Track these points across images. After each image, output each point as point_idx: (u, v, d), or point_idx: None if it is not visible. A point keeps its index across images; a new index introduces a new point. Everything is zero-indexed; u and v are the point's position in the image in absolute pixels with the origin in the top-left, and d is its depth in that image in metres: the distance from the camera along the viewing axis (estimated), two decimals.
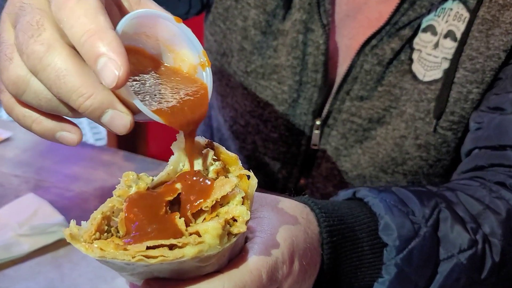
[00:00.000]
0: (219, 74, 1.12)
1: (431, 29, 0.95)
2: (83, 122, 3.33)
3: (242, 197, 0.53)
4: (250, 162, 1.14)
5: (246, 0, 1.03)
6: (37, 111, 0.54)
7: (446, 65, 0.94)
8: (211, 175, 0.56)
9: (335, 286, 0.71)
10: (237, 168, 0.56)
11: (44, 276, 0.86)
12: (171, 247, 0.49)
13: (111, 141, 2.10)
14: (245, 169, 0.56)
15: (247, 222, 0.52)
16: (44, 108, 0.53)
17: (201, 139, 0.57)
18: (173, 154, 0.57)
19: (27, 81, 0.52)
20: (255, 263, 0.56)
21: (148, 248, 0.48)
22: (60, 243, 0.92)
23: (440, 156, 0.99)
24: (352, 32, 1.00)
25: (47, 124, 0.55)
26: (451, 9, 0.93)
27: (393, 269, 0.72)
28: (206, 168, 0.56)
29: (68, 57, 0.50)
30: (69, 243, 0.91)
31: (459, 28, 0.93)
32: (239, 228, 0.51)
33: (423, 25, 0.95)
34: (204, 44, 1.13)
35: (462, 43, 0.92)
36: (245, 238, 0.59)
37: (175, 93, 0.54)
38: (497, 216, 0.79)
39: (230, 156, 0.57)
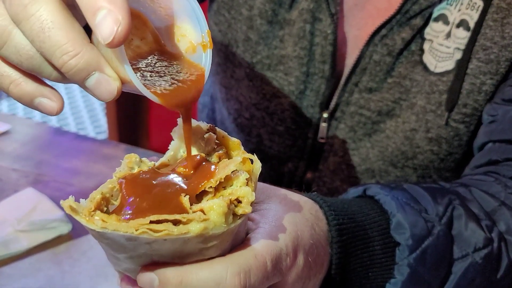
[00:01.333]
0: (224, 66, 1.09)
1: (443, 18, 0.91)
2: (84, 114, 3.31)
3: (246, 179, 0.51)
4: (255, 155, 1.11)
5: None
6: (16, 70, 0.50)
7: (458, 55, 0.91)
8: (214, 159, 0.54)
9: (345, 287, 0.68)
10: (240, 152, 0.55)
11: (44, 273, 0.84)
12: (175, 223, 0.47)
13: (112, 134, 2.08)
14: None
15: (252, 204, 0.50)
16: (25, 66, 0.49)
17: (202, 124, 0.55)
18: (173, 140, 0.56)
19: (8, 32, 0.48)
20: (260, 249, 0.53)
21: (151, 222, 0.46)
22: (60, 239, 0.89)
23: (451, 149, 0.96)
24: (360, 22, 0.97)
25: (26, 87, 0.50)
26: None
27: (406, 269, 0.69)
28: (208, 153, 0.55)
29: (56, 8, 0.46)
30: (69, 239, 0.89)
31: (472, 17, 0.89)
32: (244, 208, 0.49)
33: (435, 14, 0.91)
34: None
35: (476, 32, 0.89)
36: (248, 230, 0.57)
37: (170, 76, 0.52)
38: None
39: (233, 141, 0.55)
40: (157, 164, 0.54)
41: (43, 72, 0.49)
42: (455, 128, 0.94)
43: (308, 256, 0.60)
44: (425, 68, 0.93)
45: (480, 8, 0.88)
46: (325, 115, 1.01)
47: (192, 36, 0.54)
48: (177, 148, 0.55)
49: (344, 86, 0.98)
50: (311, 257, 0.60)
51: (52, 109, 0.51)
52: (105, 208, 0.50)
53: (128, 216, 0.47)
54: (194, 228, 0.47)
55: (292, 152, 1.07)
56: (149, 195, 0.49)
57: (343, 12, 0.98)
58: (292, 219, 0.59)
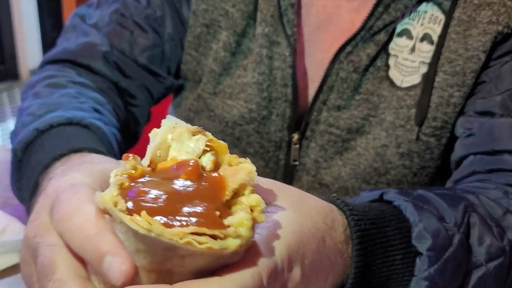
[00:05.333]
0: (185, 100, 1.10)
1: (406, 33, 0.94)
2: None
3: (253, 186, 0.49)
4: None
5: (217, 24, 1.02)
6: None
7: (424, 69, 0.93)
8: (210, 166, 0.52)
9: None
10: (228, 157, 0.53)
11: None
12: (214, 238, 0.45)
13: None
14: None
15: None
16: None
17: (189, 126, 0.53)
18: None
19: None
20: (257, 266, 0.51)
21: (192, 233, 0.44)
22: None
23: (423, 163, 0.98)
24: (325, 45, 0.99)
25: None
26: (426, 12, 0.93)
27: (424, 282, 0.67)
28: (199, 156, 0.53)
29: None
30: None
31: (435, 31, 0.92)
32: (259, 217, 0.48)
33: (398, 30, 0.94)
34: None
35: (440, 46, 0.91)
36: None
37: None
38: None
39: (221, 144, 0.53)
40: (144, 160, 0.52)
41: None
42: (426, 142, 0.96)
43: (307, 270, 0.57)
44: (392, 83, 0.95)
45: (442, 22, 0.91)
46: (295, 137, 1.02)
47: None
48: (155, 149, 0.53)
49: (312, 105, 0.98)
50: (310, 270, 0.57)
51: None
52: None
53: (166, 222, 0.45)
54: (232, 244, 0.45)
55: (265, 173, 1.07)
56: (173, 204, 0.47)
57: (305, 36, 0.99)
58: (297, 228, 0.57)
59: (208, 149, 0.53)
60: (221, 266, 0.49)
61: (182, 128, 0.53)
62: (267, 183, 0.60)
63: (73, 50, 1.03)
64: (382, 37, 0.93)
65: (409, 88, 0.94)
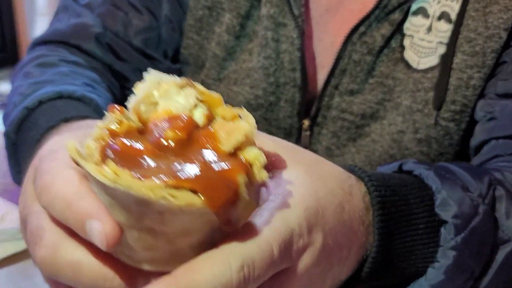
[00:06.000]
0: None
1: (422, 11, 0.89)
2: None
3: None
4: None
5: (220, 6, 0.97)
6: None
7: (442, 50, 0.88)
8: (203, 121, 0.46)
9: (382, 276, 0.61)
10: (223, 109, 0.47)
11: (15, 287, 0.78)
12: (195, 192, 0.40)
13: None
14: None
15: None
16: None
17: (176, 79, 0.48)
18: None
19: None
20: (265, 235, 0.46)
21: (167, 187, 0.39)
22: None
23: (442, 149, 0.93)
24: (335, 27, 0.94)
25: None
26: None
27: (451, 252, 0.63)
28: (190, 111, 0.47)
29: (77, 247, 0.47)
30: None
31: (453, 8, 0.87)
32: (260, 175, 0.43)
33: (413, 8, 0.89)
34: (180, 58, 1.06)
35: (458, 24, 0.86)
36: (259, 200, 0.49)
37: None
38: None
39: (213, 96, 0.47)
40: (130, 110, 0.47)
41: None
42: (445, 127, 0.91)
43: (329, 238, 0.52)
44: (407, 65, 0.90)
45: None
46: (306, 123, 0.97)
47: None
48: (138, 103, 0.47)
49: (324, 90, 0.94)
50: (332, 239, 0.53)
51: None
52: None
53: (138, 176, 0.40)
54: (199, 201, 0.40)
55: None
56: (155, 160, 0.42)
57: (314, 19, 0.95)
58: (314, 193, 0.52)
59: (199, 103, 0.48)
60: (223, 236, 0.44)
61: (168, 83, 0.47)
62: (279, 144, 0.55)
63: (64, 31, 0.99)
64: (397, 16, 0.88)
65: (426, 70, 0.89)
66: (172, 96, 0.47)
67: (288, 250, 0.48)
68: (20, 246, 0.83)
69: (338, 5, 0.93)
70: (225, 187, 0.41)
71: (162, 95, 0.47)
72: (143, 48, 1.00)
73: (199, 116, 0.46)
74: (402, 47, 0.90)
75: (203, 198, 0.40)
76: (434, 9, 0.88)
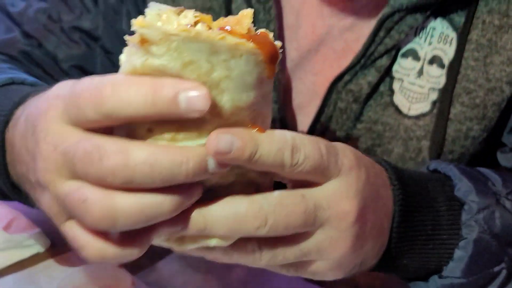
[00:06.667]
0: None
1: (412, 53, 0.82)
2: None
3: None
4: None
5: None
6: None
7: (434, 96, 0.83)
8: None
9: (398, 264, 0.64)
10: (217, 23, 0.52)
11: None
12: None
13: None
14: None
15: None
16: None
17: (172, 8, 0.52)
18: None
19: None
20: (315, 137, 0.54)
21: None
22: (38, 258, 0.83)
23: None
24: (316, 67, 0.88)
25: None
26: (435, 29, 0.81)
27: (475, 227, 0.65)
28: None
29: (143, 145, 0.48)
30: (47, 258, 0.84)
31: (446, 52, 0.81)
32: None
33: (403, 50, 0.83)
34: None
35: (454, 71, 0.81)
36: None
37: None
38: None
39: (206, 15, 0.52)
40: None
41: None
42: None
43: (372, 178, 0.58)
44: (398, 110, 0.84)
45: (454, 42, 0.80)
46: None
47: None
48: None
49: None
50: (371, 193, 0.57)
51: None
52: None
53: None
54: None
55: None
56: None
57: (295, 61, 0.89)
58: (360, 156, 0.59)
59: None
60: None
61: (167, 11, 0.52)
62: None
63: None
64: (384, 61, 0.82)
65: (417, 117, 0.84)
66: (174, 21, 0.52)
67: (334, 155, 0.54)
68: (26, 253, 0.83)
69: (319, 44, 0.87)
70: (270, 42, 0.50)
71: (165, 23, 0.52)
72: (74, 74, 0.95)
73: (203, 29, 0.52)
74: (392, 91, 0.84)
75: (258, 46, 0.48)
76: (425, 52, 0.82)
